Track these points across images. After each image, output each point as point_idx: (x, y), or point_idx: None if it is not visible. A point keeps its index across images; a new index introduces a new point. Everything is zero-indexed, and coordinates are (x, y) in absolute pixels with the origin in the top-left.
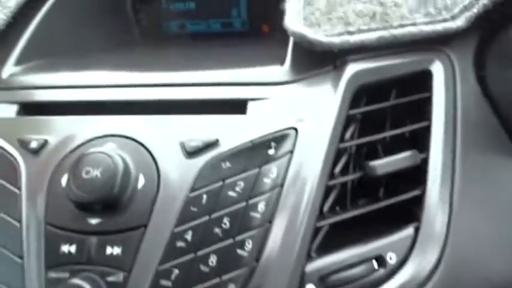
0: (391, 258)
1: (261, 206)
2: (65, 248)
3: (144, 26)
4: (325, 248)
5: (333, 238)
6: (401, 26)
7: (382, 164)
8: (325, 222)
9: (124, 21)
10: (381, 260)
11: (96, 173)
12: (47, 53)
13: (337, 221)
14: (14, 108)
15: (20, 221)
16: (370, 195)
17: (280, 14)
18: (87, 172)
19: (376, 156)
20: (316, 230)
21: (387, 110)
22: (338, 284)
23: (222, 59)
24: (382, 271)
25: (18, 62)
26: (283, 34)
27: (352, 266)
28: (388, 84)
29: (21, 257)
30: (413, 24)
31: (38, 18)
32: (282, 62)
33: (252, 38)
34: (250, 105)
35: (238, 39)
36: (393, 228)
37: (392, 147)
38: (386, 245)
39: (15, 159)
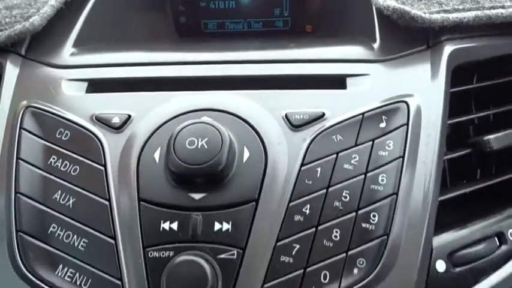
0: None
1: (382, 178)
2: (166, 226)
3: (182, 23)
4: (446, 225)
5: (452, 216)
6: (493, 7)
7: (499, 138)
8: (449, 196)
9: (163, 19)
10: (502, 238)
11: (201, 143)
12: (97, 40)
13: (459, 194)
14: (83, 85)
15: (108, 200)
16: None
17: (324, 12)
18: (191, 143)
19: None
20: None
21: (485, 90)
22: (465, 262)
23: (297, 45)
24: (504, 248)
25: (75, 44)
26: (328, 32)
27: (474, 243)
28: (485, 64)
29: (113, 238)
30: (502, 7)
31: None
32: (367, 43)
33: (294, 37)
34: (349, 81)
35: (280, 38)
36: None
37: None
38: (506, 220)
39: (97, 136)
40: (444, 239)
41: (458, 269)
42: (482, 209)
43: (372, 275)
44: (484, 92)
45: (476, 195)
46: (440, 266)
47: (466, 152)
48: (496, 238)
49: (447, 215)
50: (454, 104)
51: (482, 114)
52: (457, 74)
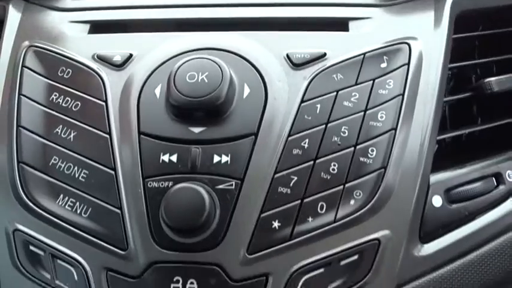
0: (510, 176)
1: (381, 115)
2: (165, 158)
3: None
4: (445, 165)
5: (451, 157)
6: None
7: (500, 81)
8: (447, 135)
9: None
10: (500, 178)
11: (202, 77)
12: None
13: (459, 140)
14: (86, 27)
15: (109, 133)
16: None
17: None
18: (192, 77)
19: None
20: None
21: (489, 41)
22: (461, 199)
23: None
24: (502, 188)
25: None
26: None
27: (472, 181)
28: (488, 13)
29: (113, 169)
30: None
31: None
32: None
33: None
34: (352, 24)
35: None
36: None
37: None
38: (504, 162)
39: (98, 74)
40: (441, 176)
41: (454, 205)
42: (481, 153)
43: (368, 205)
44: (488, 42)
45: (475, 144)
46: (437, 201)
47: (466, 96)
48: (493, 178)
49: (446, 160)
50: (458, 53)
51: (483, 60)
52: (462, 24)
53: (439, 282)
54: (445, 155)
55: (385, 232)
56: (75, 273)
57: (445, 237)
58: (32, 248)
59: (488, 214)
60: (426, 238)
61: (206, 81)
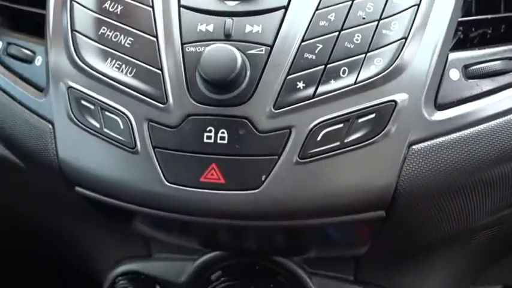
0: None
1: None
2: (202, 27)
3: None
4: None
5: (471, 41)
6: None
7: None
8: (468, 18)
9: None
10: None
11: None
12: None
13: (478, 19)
14: None
15: (151, 6)
16: None
17: None
18: None
19: None
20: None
21: None
22: (478, 75)
23: None
24: None
25: None
26: None
27: (490, 61)
28: None
29: (154, 36)
30: None
31: None
32: None
33: None
34: None
35: None
36: None
37: None
38: None
39: None
40: (461, 54)
41: (471, 81)
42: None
43: (388, 70)
44: None
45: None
46: (454, 74)
47: None
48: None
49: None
50: None
51: None
52: None
53: (448, 146)
54: (466, 44)
55: (402, 95)
56: (120, 122)
57: (459, 107)
58: (83, 102)
59: (503, 92)
60: (441, 107)
61: None
